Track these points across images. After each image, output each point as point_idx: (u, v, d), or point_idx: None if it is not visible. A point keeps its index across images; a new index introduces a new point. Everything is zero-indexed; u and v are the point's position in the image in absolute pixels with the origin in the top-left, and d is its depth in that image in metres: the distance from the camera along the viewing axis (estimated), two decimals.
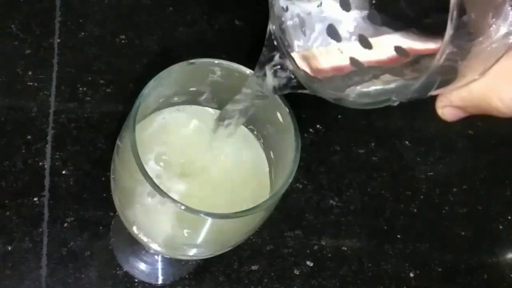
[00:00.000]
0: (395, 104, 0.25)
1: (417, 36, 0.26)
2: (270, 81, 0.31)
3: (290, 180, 0.35)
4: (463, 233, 0.57)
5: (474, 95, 0.27)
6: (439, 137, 0.62)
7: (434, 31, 0.24)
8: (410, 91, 0.24)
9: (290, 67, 0.30)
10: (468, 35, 0.23)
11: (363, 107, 0.27)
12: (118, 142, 0.37)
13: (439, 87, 0.26)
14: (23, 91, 0.55)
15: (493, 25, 0.24)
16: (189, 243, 0.38)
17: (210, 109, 0.39)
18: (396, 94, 0.25)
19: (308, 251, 0.54)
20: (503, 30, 0.24)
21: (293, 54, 0.30)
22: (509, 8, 0.24)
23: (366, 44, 0.28)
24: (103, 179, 0.52)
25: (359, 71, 0.28)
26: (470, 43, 0.24)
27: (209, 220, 0.33)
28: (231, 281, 0.51)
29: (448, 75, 0.25)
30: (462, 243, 0.57)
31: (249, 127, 0.40)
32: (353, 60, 0.28)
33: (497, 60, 0.25)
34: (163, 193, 0.32)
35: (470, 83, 0.26)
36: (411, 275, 0.54)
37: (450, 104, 0.28)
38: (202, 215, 0.32)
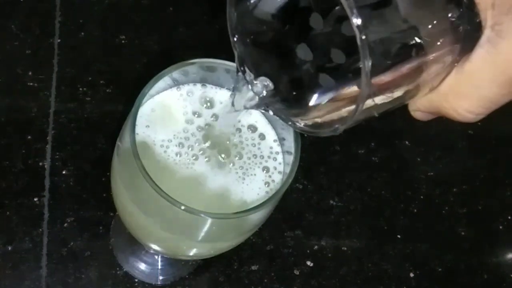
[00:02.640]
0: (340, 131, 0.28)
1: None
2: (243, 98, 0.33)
3: (290, 180, 0.35)
4: (463, 233, 0.57)
5: (433, 105, 0.29)
6: (439, 137, 0.62)
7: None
8: (349, 123, 0.27)
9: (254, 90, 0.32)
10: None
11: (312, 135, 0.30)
12: (118, 142, 0.37)
13: (400, 103, 0.28)
14: (23, 91, 0.55)
15: (445, 48, 0.26)
16: (189, 243, 0.38)
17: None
18: (341, 123, 0.28)
19: (308, 251, 0.54)
20: (453, 53, 0.26)
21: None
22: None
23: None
24: (103, 179, 0.52)
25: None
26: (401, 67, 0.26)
27: (209, 220, 0.33)
28: (231, 281, 0.51)
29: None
30: (462, 243, 0.57)
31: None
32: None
33: (445, 78, 0.27)
34: (163, 193, 0.32)
35: (427, 95, 0.28)
36: (411, 275, 0.54)
37: (418, 109, 0.30)
38: (202, 215, 0.32)
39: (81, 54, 0.58)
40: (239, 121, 0.38)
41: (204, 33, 0.61)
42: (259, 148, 0.38)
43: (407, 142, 0.61)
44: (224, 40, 0.66)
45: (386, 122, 0.61)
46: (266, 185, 0.37)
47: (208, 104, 0.38)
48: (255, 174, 0.37)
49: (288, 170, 0.36)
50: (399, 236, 0.56)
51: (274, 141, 0.38)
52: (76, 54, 0.58)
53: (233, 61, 0.37)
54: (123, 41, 0.59)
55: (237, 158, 0.37)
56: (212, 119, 0.38)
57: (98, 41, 0.59)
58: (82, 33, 0.59)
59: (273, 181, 0.37)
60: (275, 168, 0.37)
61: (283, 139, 0.38)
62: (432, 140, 0.61)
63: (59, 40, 0.58)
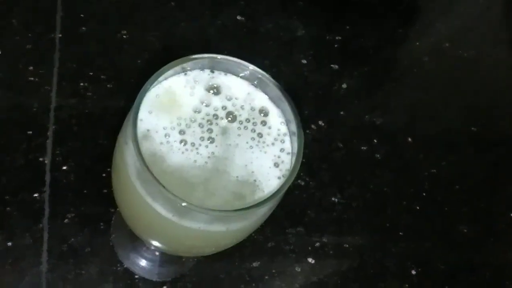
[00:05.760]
0: None
1: None
2: None
3: (292, 178, 0.34)
4: (465, 231, 0.57)
5: None
6: (442, 134, 0.61)
7: None
8: None
9: None
10: None
11: None
12: (119, 137, 0.37)
13: None
14: (24, 86, 0.55)
15: None
16: (190, 240, 0.38)
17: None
18: None
19: (309, 248, 0.53)
20: None
21: None
22: None
23: None
24: (103, 175, 0.52)
25: None
26: None
27: (210, 217, 0.33)
28: (232, 278, 0.51)
29: None
30: (465, 241, 0.57)
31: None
32: None
33: None
34: (164, 190, 0.32)
35: None
36: (413, 272, 0.54)
37: None
38: (202, 212, 0.32)
39: (82, 49, 0.57)
40: (249, 104, 0.38)
41: (206, 28, 0.61)
42: (268, 133, 0.37)
43: (409, 139, 0.60)
44: (226, 35, 0.66)
45: (389, 119, 0.61)
46: (276, 166, 0.37)
47: (215, 90, 0.38)
48: (264, 154, 0.37)
49: (295, 150, 0.36)
50: (401, 234, 0.56)
51: (281, 123, 0.38)
52: (77, 49, 0.57)
53: (234, 56, 0.36)
54: (124, 37, 0.59)
55: (244, 140, 0.37)
56: (219, 105, 0.37)
57: (99, 36, 0.58)
58: (83, 28, 0.58)
59: (282, 162, 0.37)
60: (283, 150, 0.37)
61: (289, 121, 0.37)
62: (435, 137, 0.61)
63: (60, 35, 0.57)
